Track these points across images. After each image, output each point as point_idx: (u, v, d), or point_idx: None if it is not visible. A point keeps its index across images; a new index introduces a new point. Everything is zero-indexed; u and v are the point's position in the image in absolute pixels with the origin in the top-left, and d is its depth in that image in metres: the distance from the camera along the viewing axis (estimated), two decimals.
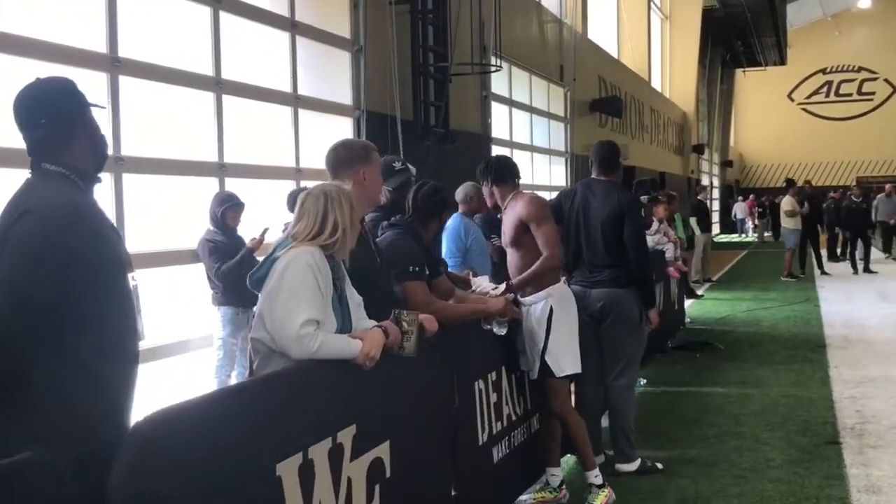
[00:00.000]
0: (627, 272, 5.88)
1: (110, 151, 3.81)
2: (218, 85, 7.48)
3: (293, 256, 3.24)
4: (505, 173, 5.47)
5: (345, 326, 3.38)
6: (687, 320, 12.83)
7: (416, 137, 10.50)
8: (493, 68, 12.35)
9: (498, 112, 14.28)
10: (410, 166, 5.39)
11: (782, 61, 41.86)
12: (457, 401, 4.45)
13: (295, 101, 8.64)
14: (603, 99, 20.84)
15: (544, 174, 17.41)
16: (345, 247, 3.39)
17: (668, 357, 10.24)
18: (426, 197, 4.56)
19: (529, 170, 15.98)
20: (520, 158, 15.19)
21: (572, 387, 5.79)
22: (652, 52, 29.70)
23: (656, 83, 30.47)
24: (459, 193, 7.73)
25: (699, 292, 16.25)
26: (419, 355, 3.72)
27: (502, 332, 4.63)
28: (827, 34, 49.35)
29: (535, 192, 7.62)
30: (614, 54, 24.47)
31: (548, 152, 17.61)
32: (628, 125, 24.52)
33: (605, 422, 6.32)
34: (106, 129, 3.93)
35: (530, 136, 16.45)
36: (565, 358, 5.32)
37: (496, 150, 14.04)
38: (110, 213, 5.61)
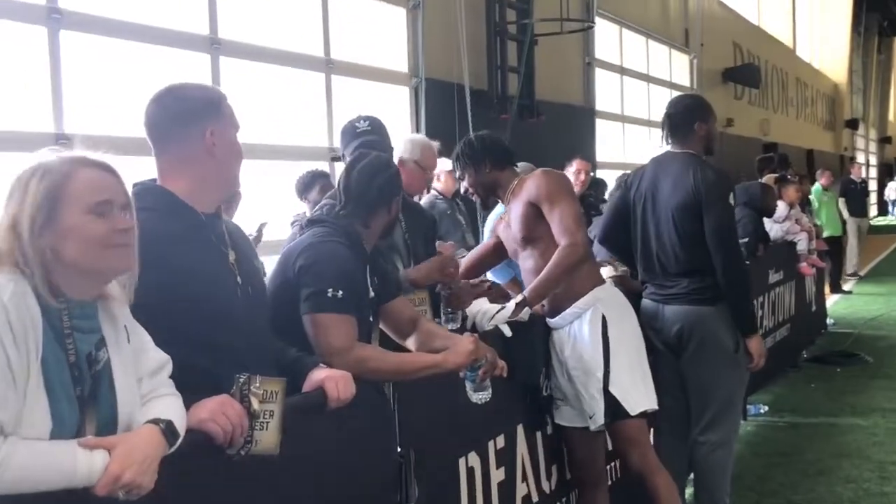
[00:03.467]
0: (714, 282, 4.15)
1: None
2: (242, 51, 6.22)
3: None
4: (503, 155, 3.93)
5: (102, 417, 1.84)
6: (829, 321, 10.76)
7: (489, 110, 8.93)
8: (584, 26, 10.54)
9: (605, 81, 12.49)
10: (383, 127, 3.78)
11: None
12: (415, 493, 2.84)
13: (327, 66, 7.15)
14: (737, 68, 18.70)
15: None
16: (68, 266, 1.81)
17: (800, 373, 8.31)
18: (366, 175, 2.97)
19: (645, 150, 14.12)
20: (633, 135, 13.38)
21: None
22: (797, 18, 27.11)
23: (803, 53, 27.85)
24: None
25: (846, 287, 13.98)
26: (282, 452, 2.16)
27: (481, 396, 2.92)
28: None
29: None
30: (753, 20, 22.12)
31: None
32: (769, 97, 22.24)
33: (688, 489, 4.61)
34: None
35: (648, 109, 14.52)
36: (637, 387, 3.76)
37: (602, 125, 12.30)
38: None
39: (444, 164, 6.45)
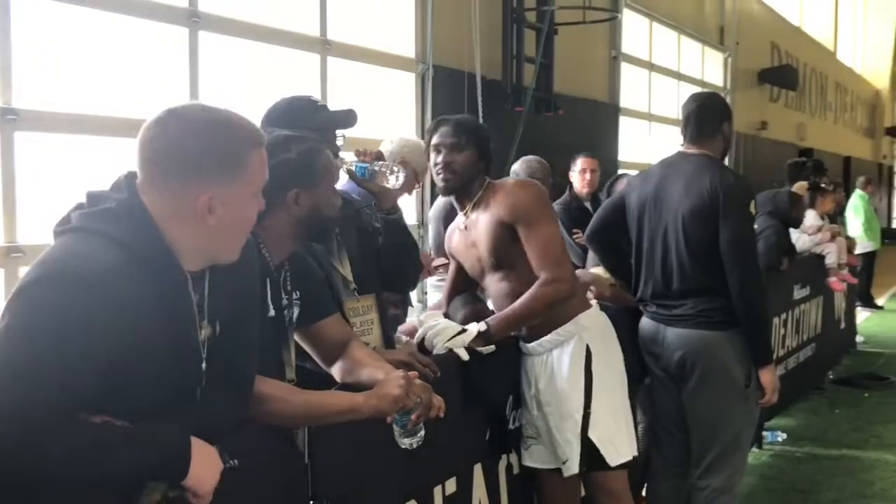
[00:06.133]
0: (727, 304, 3.59)
1: None
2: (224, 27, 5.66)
3: None
4: (490, 162, 3.34)
5: None
6: (859, 339, 10.13)
7: (502, 101, 8.38)
8: (609, 16, 9.94)
9: (632, 76, 11.89)
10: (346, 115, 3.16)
11: None
12: None
13: (323, 46, 6.64)
14: (774, 69, 17.97)
15: None
16: None
17: (825, 396, 7.70)
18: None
19: (672, 150, 13.51)
20: (661, 134, 12.79)
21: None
22: (840, 21, 26.29)
23: (844, 57, 27.01)
24: (520, 170, 5.61)
25: (879, 302, 13.27)
26: None
27: (410, 442, 2.33)
28: None
29: None
30: (794, 21, 21.36)
31: None
32: (806, 101, 21.50)
33: None
34: None
35: (677, 108, 13.87)
36: (620, 435, 3.25)
37: (626, 122, 11.71)
38: None
39: None
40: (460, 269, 3.47)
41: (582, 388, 3.21)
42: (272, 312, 2.29)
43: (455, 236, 3.44)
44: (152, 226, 1.71)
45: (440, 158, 3.24)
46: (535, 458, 3.36)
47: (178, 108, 1.76)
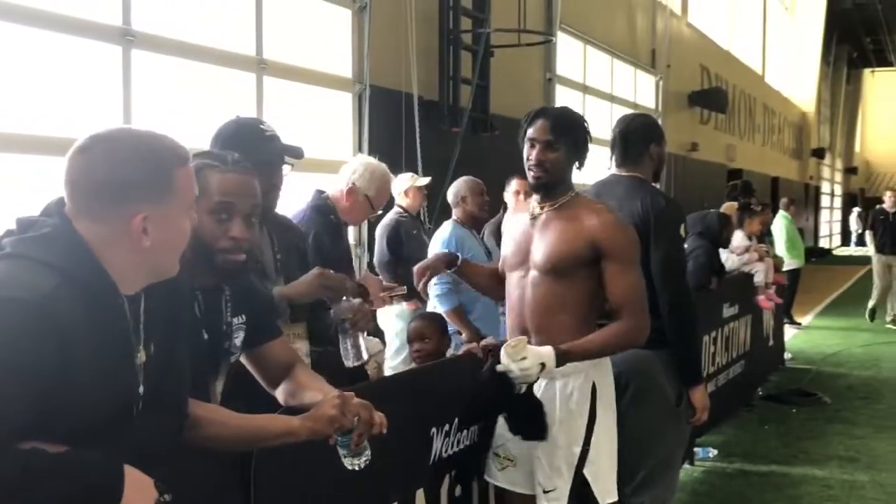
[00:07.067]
0: (659, 325, 3.66)
1: None
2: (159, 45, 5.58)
3: None
4: (583, 144, 3.30)
5: None
6: (787, 356, 10.36)
7: (439, 121, 8.42)
8: (543, 39, 10.06)
9: (566, 98, 12.04)
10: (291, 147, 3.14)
11: None
12: None
13: (259, 66, 6.62)
14: (704, 91, 18.31)
15: None
16: None
17: (755, 412, 7.87)
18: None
19: (605, 172, 13.67)
20: (596, 156, 12.92)
21: None
22: (768, 45, 26.90)
23: (772, 80, 27.63)
24: (456, 190, 5.66)
25: (800, 320, 13.54)
26: None
27: (356, 462, 2.25)
28: None
29: None
30: (724, 45, 21.82)
31: None
32: (736, 123, 21.96)
33: None
34: None
35: (610, 130, 14.05)
36: (611, 474, 3.29)
37: None
38: None
39: (411, 180, 5.96)
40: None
41: (584, 423, 3.20)
42: (205, 336, 2.27)
43: (513, 221, 3.42)
44: (87, 250, 1.71)
45: (533, 154, 3.20)
46: (508, 478, 3.32)
47: (102, 133, 1.77)
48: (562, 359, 3.03)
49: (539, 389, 3.18)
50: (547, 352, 3.00)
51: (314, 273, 2.96)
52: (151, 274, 1.82)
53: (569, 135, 3.20)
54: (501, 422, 3.22)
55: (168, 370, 1.86)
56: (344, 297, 2.88)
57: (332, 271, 3.01)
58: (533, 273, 3.24)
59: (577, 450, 3.18)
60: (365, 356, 2.88)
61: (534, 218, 3.28)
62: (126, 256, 1.75)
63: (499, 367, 2.98)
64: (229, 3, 6.56)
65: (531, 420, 3.07)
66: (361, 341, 2.87)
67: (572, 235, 3.17)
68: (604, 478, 3.24)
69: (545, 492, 3.20)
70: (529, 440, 3.13)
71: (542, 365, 2.97)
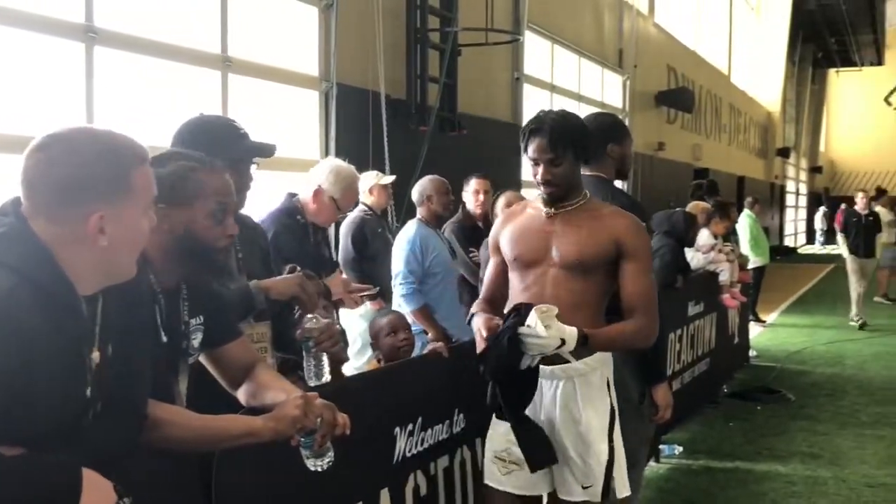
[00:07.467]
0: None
1: None
2: (122, 42, 5.51)
3: None
4: (585, 144, 3.32)
5: None
6: (752, 354, 10.46)
7: (406, 120, 8.41)
8: (511, 38, 10.07)
9: (534, 97, 12.07)
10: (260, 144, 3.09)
11: (880, 62, 38.84)
12: None
13: (224, 63, 6.57)
14: (671, 91, 18.42)
15: None
16: None
17: (720, 410, 7.92)
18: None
19: None
20: None
21: None
22: (734, 45, 27.10)
23: (738, 80, 27.86)
24: (421, 188, 5.66)
25: (764, 318, 13.65)
26: None
27: (319, 464, 2.26)
28: None
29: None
30: (691, 45, 21.98)
31: None
32: (702, 123, 22.11)
33: None
34: None
35: None
36: (625, 469, 3.31)
37: None
38: None
39: (375, 178, 5.95)
40: (503, 269, 3.42)
41: (608, 420, 3.21)
42: (164, 338, 2.25)
43: (519, 219, 3.38)
44: (44, 250, 1.69)
45: (539, 173, 3.21)
46: (514, 483, 3.27)
47: (59, 132, 1.75)
48: (583, 342, 3.02)
49: (557, 389, 3.19)
50: (570, 331, 2.97)
51: (297, 275, 2.96)
52: (109, 274, 1.80)
53: (569, 146, 3.20)
54: (505, 429, 3.19)
55: (126, 372, 1.84)
56: (310, 315, 2.85)
57: (316, 278, 3.03)
58: (554, 270, 3.23)
59: (605, 447, 3.19)
60: (327, 377, 2.85)
61: (549, 217, 3.28)
62: (83, 256, 1.73)
63: (521, 329, 2.90)
64: (194, 0, 6.51)
65: (520, 401, 3.04)
66: (325, 361, 2.85)
67: (599, 234, 3.20)
68: (622, 472, 3.26)
69: (584, 487, 3.19)
70: (537, 469, 3.12)
71: (563, 341, 2.94)
